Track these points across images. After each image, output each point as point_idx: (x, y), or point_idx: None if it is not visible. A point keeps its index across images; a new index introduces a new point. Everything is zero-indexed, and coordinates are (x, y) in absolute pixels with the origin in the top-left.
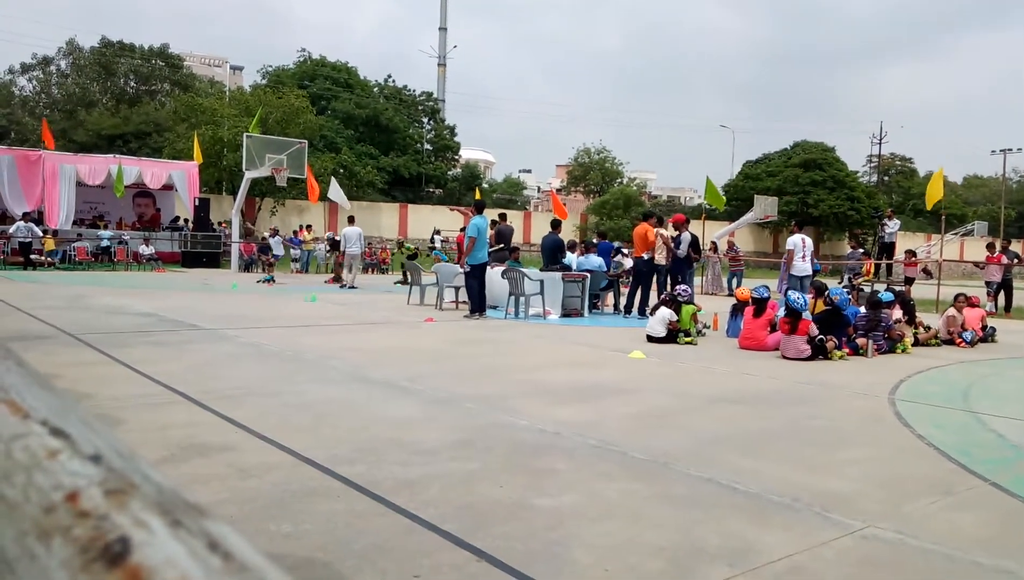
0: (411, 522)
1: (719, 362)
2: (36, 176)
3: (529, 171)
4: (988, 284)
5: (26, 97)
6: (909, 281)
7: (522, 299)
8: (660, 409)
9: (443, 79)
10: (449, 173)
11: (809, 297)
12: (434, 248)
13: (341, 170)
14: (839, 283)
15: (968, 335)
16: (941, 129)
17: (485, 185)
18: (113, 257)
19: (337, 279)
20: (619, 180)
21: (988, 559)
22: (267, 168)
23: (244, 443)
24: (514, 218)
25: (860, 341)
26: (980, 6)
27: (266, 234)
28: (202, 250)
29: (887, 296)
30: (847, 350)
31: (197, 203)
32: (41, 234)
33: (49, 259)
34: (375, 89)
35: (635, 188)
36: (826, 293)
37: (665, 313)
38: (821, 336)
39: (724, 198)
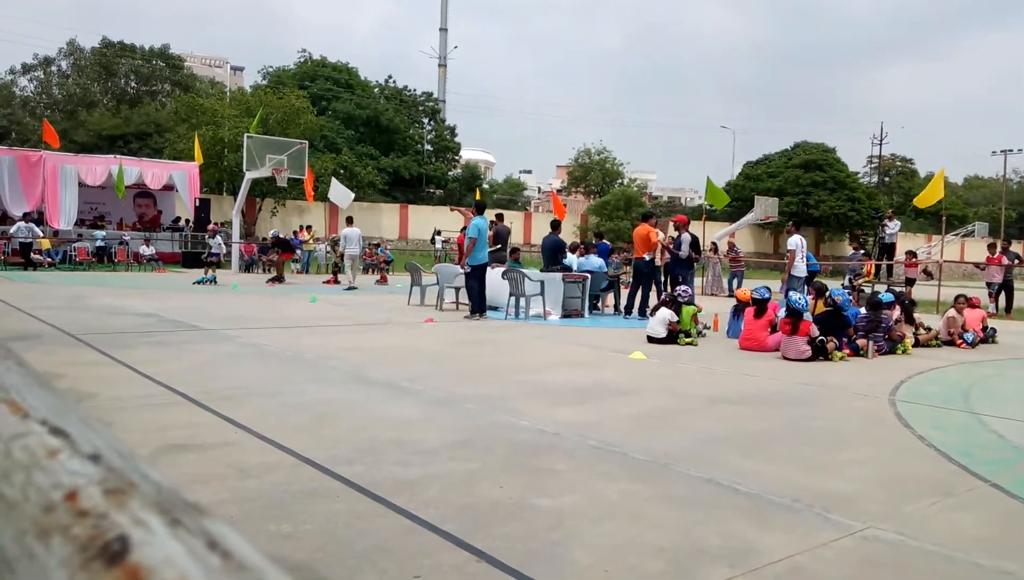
0: (411, 522)
1: (719, 363)
2: (36, 177)
3: (530, 172)
4: (989, 285)
5: (27, 97)
6: (910, 282)
7: (522, 300)
8: (661, 410)
9: (443, 80)
10: (449, 174)
11: (809, 298)
12: (377, 248)
13: (342, 171)
14: (841, 285)
15: (969, 336)
16: (942, 130)
17: (485, 186)
18: (113, 257)
19: (336, 281)
20: (619, 181)
21: (989, 560)
22: (268, 169)
23: (244, 443)
24: (515, 219)
25: (860, 342)
26: (980, 6)
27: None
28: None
29: (887, 297)
30: (847, 351)
31: (198, 204)
32: (41, 235)
33: (49, 259)
34: (376, 90)
35: (636, 189)
36: (827, 294)
37: (665, 314)
38: (821, 337)
39: (727, 197)
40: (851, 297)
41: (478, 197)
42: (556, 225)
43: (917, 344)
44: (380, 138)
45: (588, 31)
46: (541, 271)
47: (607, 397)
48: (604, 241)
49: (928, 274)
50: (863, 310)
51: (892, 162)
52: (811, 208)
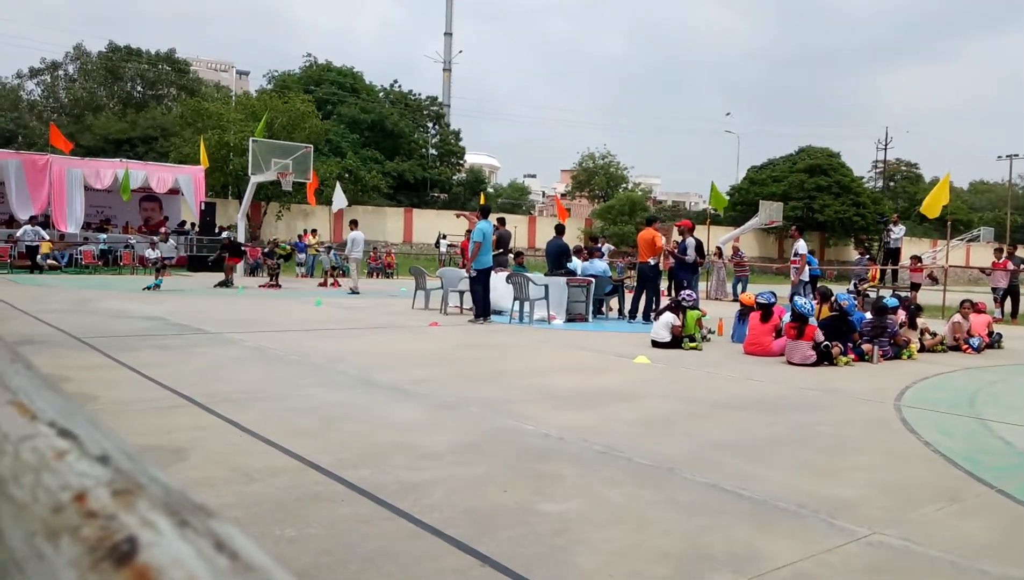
0: (416, 527)
1: (724, 367)
2: (43, 180)
3: (534, 176)
4: (995, 290)
5: (34, 101)
6: (915, 287)
7: (527, 304)
8: (665, 414)
9: (448, 84)
10: (454, 178)
11: (814, 303)
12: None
13: (346, 175)
14: (846, 289)
15: (975, 341)
16: (947, 134)
17: (490, 190)
18: (119, 261)
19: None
20: (624, 185)
21: (994, 567)
22: (273, 172)
23: (249, 447)
24: (519, 223)
25: (866, 347)
26: (985, 11)
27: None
28: (208, 254)
29: (892, 302)
30: (852, 356)
31: (203, 207)
32: (46, 237)
33: (54, 261)
34: (380, 94)
35: (640, 193)
36: (833, 299)
37: (668, 318)
38: (826, 342)
39: (727, 199)
40: (856, 302)
41: (482, 201)
42: (560, 229)
43: (923, 349)
44: (385, 142)
45: (592, 35)
46: (545, 275)
47: (612, 402)
48: (598, 245)
49: (933, 279)
50: (868, 315)
51: (897, 166)
52: (816, 212)
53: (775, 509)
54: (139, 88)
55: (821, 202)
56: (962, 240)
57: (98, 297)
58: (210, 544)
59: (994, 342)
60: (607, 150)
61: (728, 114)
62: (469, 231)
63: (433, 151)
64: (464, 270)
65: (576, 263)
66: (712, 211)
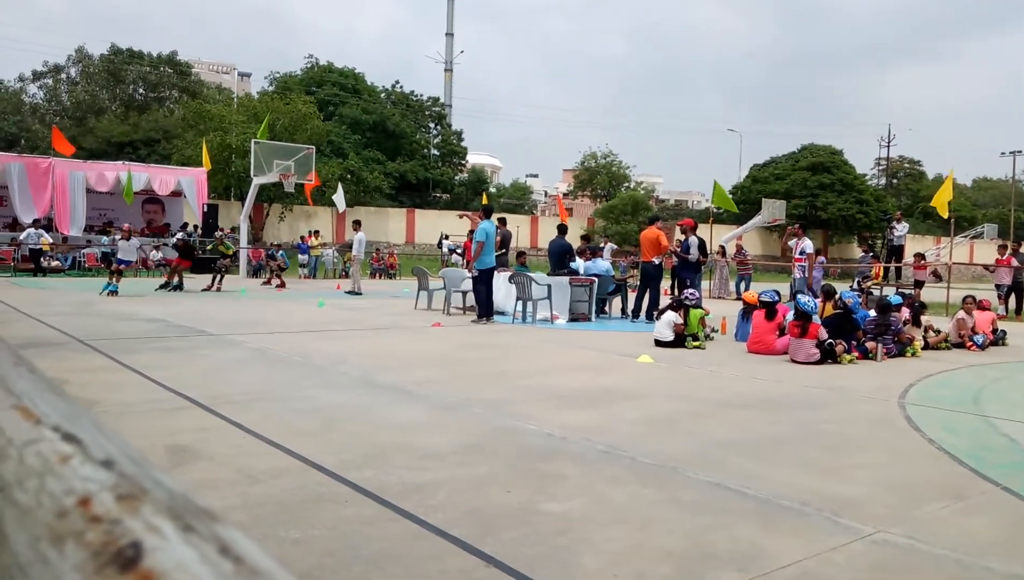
0: (419, 527)
1: (727, 366)
2: (46, 183)
3: (536, 176)
4: (998, 287)
5: (36, 104)
6: (919, 284)
7: (529, 304)
8: (668, 413)
9: (450, 84)
10: (456, 178)
11: (818, 301)
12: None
13: (348, 176)
14: (850, 287)
15: (979, 338)
16: (950, 131)
17: (492, 190)
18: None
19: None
20: (626, 184)
21: (1000, 564)
22: (275, 174)
23: (253, 448)
24: (521, 223)
25: (869, 345)
26: (987, 9)
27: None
28: (210, 256)
29: (896, 299)
30: (856, 354)
31: (206, 209)
32: (50, 241)
33: (57, 264)
34: (382, 95)
35: (643, 192)
36: (836, 297)
37: (671, 316)
38: (830, 340)
39: (733, 203)
40: (860, 300)
41: (484, 201)
42: (563, 229)
43: (927, 347)
44: (387, 143)
45: (593, 35)
46: (548, 275)
47: (615, 401)
48: (590, 244)
49: (937, 276)
50: (872, 313)
51: (900, 164)
52: (819, 210)
53: (779, 508)
54: (141, 91)
55: (824, 200)
56: (966, 237)
57: (101, 299)
58: (214, 548)
59: (998, 339)
60: (609, 149)
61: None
62: (472, 231)
63: (435, 151)
64: (450, 255)
65: (579, 262)
66: (715, 209)
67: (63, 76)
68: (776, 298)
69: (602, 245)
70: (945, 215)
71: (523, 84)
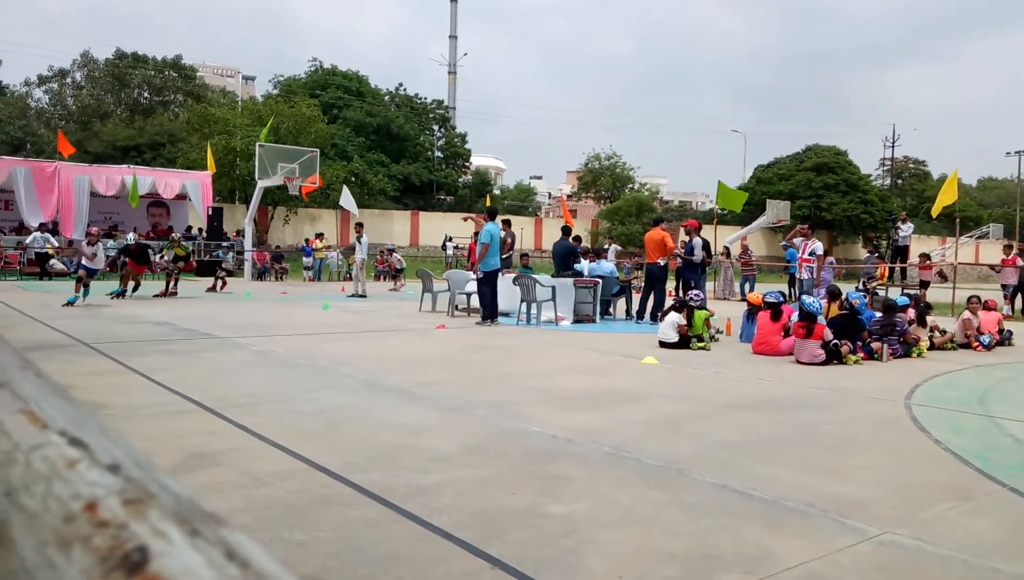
0: (425, 530)
1: (732, 367)
2: (51, 187)
3: (540, 177)
4: (1004, 287)
5: (41, 109)
6: (924, 284)
7: (534, 305)
8: (673, 415)
9: (453, 87)
10: (460, 180)
11: (823, 301)
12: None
13: (352, 178)
14: (855, 287)
15: (985, 339)
16: (955, 131)
17: (496, 192)
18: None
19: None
20: (630, 185)
21: (1007, 565)
22: (279, 177)
23: (258, 451)
24: (525, 224)
25: (875, 345)
26: (990, 8)
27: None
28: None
29: (902, 300)
30: (862, 354)
31: (210, 212)
32: (56, 245)
33: (62, 267)
34: (386, 97)
35: (647, 193)
36: (842, 297)
37: (674, 317)
38: (835, 341)
39: (741, 195)
40: (867, 300)
41: (488, 203)
42: (567, 231)
43: (932, 347)
44: (391, 145)
45: (596, 37)
46: (552, 277)
47: (619, 402)
48: (581, 243)
49: (943, 277)
50: (878, 314)
51: (905, 164)
52: (824, 211)
53: (785, 509)
54: (146, 94)
55: (829, 200)
56: (971, 237)
57: (106, 302)
58: (221, 553)
59: (1005, 339)
60: (613, 151)
61: (735, 131)
62: (477, 233)
63: (439, 154)
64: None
65: (583, 264)
66: (720, 210)
67: (68, 80)
68: (781, 299)
69: (606, 246)
70: (935, 214)
71: (526, 85)
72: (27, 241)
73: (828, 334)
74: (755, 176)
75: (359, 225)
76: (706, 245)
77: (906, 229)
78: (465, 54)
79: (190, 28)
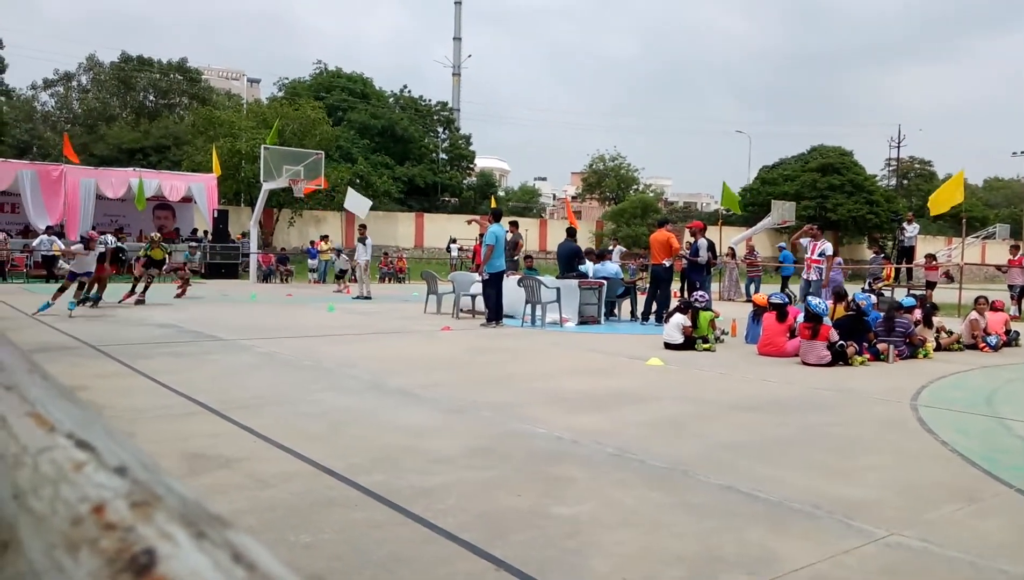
0: (429, 531)
1: (738, 369)
2: (58, 191)
3: (544, 179)
4: (1011, 288)
5: (48, 112)
6: (930, 285)
7: (539, 307)
8: (678, 416)
9: (458, 88)
10: (464, 182)
11: (828, 303)
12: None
13: (357, 180)
14: (861, 288)
15: (992, 339)
16: (961, 131)
17: (501, 193)
18: (132, 269)
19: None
20: (634, 187)
21: (1014, 567)
22: (284, 179)
23: (263, 453)
24: (530, 226)
25: (881, 346)
26: (994, 8)
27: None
28: (221, 261)
29: (909, 301)
30: (868, 356)
31: (216, 215)
32: (63, 247)
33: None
34: (391, 100)
35: (652, 195)
36: (848, 298)
37: (679, 319)
38: (841, 342)
39: (738, 199)
40: (874, 301)
41: (493, 205)
42: (572, 232)
43: (939, 348)
44: (395, 147)
45: (600, 38)
46: (557, 278)
47: (624, 404)
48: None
49: (949, 278)
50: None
51: (911, 165)
52: (829, 212)
53: (790, 510)
54: (151, 98)
55: (834, 201)
56: (977, 237)
57: (112, 305)
58: (227, 555)
59: (1011, 340)
60: (617, 152)
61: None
62: (482, 235)
63: (443, 156)
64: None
65: (588, 265)
66: (724, 211)
67: (74, 84)
68: (786, 300)
69: (611, 248)
70: (936, 212)
71: (529, 87)
72: (34, 244)
73: (834, 335)
74: (760, 177)
75: (362, 226)
76: (711, 246)
77: (912, 230)
78: (469, 56)
79: (195, 31)
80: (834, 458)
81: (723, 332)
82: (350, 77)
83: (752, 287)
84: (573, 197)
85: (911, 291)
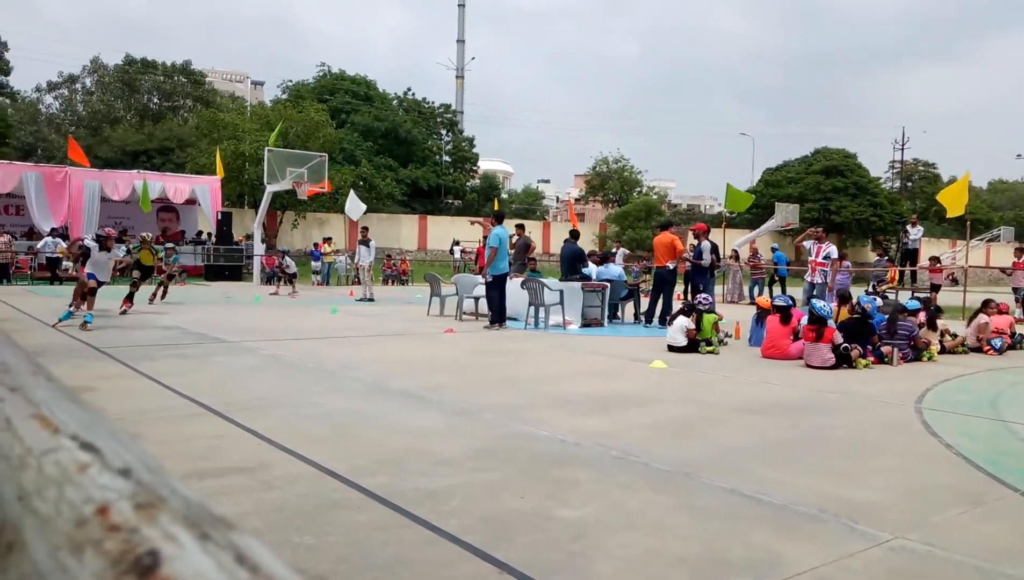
0: (433, 534)
1: (741, 371)
2: (62, 193)
3: (548, 181)
4: (1016, 290)
5: (52, 115)
6: (935, 288)
7: (542, 309)
8: (682, 419)
9: (461, 91)
10: (468, 184)
11: (832, 305)
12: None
13: (361, 182)
14: (865, 291)
15: (997, 342)
16: (965, 134)
17: (504, 196)
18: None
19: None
20: (638, 189)
21: (1019, 571)
22: (288, 181)
23: (267, 455)
24: (533, 228)
25: (885, 349)
26: (1001, 9)
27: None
28: (224, 264)
29: (913, 304)
30: (872, 358)
31: (219, 217)
32: (64, 246)
33: (72, 270)
34: (394, 102)
35: (656, 197)
36: (853, 301)
37: (682, 321)
38: (845, 344)
39: (747, 197)
40: (879, 303)
41: (496, 207)
42: (575, 235)
43: (943, 351)
44: (399, 150)
45: (603, 40)
46: (560, 280)
47: (628, 406)
48: (575, 244)
49: (954, 280)
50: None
51: (915, 167)
52: (833, 214)
53: (795, 514)
54: (155, 100)
55: (838, 203)
56: (982, 240)
57: (117, 307)
58: (231, 557)
59: (1016, 343)
60: (620, 154)
61: (743, 134)
62: (486, 237)
63: (447, 158)
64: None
65: (591, 268)
66: (728, 214)
67: (78, 86)
68: (790, 302)
69: (614, 250)
70: (951, 214)
71: (532, 89)
72: (38, 246)
73: (838, 338)
74: (764, 179)
75: (364, 229)
76: (715, 249)
77: (916, 232)
78: (472, 58)
79: (199, 34)
80: (838, 461)
81: (727, 335)
82: (354, 79)
83: (756, 289)
84: (576, 199)
85: (915, 294)
